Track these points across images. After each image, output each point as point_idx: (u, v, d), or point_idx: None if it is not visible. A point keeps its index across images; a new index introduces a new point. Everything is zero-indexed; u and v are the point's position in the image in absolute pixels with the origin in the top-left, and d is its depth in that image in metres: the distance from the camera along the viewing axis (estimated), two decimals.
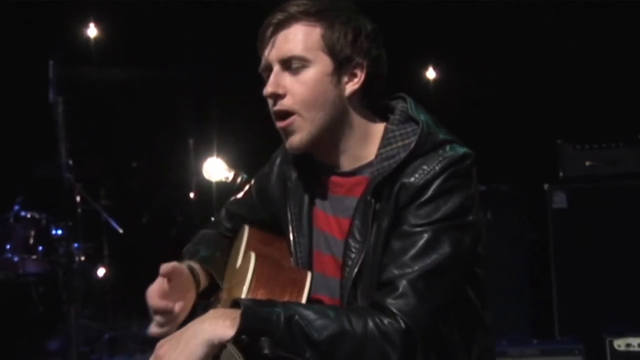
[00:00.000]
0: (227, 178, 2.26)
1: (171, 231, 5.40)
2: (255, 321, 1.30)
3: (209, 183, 4.30)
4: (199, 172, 4.87)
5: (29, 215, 4.61)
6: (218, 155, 2.65)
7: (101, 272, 4.99)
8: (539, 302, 4.12)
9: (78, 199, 4.60)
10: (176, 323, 1.61)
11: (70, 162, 4.24)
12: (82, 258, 4.58)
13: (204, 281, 1.69)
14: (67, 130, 4.10)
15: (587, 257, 3.99)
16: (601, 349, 3.50)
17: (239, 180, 2.23)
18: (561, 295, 4.02)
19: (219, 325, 1.30)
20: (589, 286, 3.97)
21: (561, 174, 4.18)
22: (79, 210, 4.59)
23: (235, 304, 1.35)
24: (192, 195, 4.98)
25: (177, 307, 1.60)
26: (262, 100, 1.59)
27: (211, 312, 1.37)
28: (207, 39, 4.98)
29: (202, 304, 1.72)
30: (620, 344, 3.46)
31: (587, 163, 4.18)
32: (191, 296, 1.65)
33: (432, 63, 5.13)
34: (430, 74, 5.20)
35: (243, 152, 4.04)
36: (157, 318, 1.59)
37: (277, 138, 1.67)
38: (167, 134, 5.16)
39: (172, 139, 5.11)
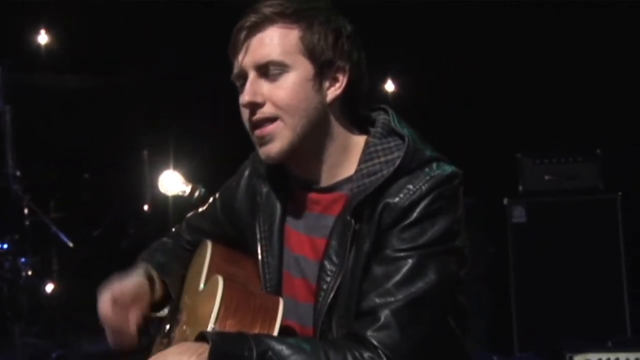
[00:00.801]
0: (184, 192, 2.16)
1: (123, 245, 5.25)
2: (225, 357, 1.20)
3: (165, 196, 4.18)
4: (153, 185, 4.75)
5: None
6: (175, 168, 2.55)
7: (49, 287, 4.80)
8: (498, 317, 4.11)
9: (26, 211, 4.45)
10: (133, 333, 1.58)
11: (18, 172, 4.10)
12: (30, 273, 4.42)
13: (159, 291, 1.61)
14: (15, 139, 3.96)
15: (546, 271, 4.01)
16: None
17: (196, 194, 2.14)
18: (520, 310, 4.02)
19: None
20: (548, 301, 3.99)
21: (520, 188, 4.20)
22: (27, 222, 4.44)
23: (202, 337, 1.24)
24: (146, 208, 4.86)
25: (131, 317, 1.56)
26: (222, 110, 1.49)
27: (175, 347, 1.26)
28: (162, 46, 4.86)
29: (155, 318, 1.63)
30: (580, 359, 3.42)
31: (547, 177, 4.22)
32: (142, 305, 1.59)
33: (391, 76, 5.11)
34: (389, 86, 5.18)
35: (201, 165, 3.94)
36: (110, 332, 1.60)
37: (238, 150, 1.57)
38: (120, 144, 5.02)
39: (126, 149, 4.98)
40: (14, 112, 4.05)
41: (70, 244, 4.69)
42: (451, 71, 4.59)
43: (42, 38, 5.12)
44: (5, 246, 4.47)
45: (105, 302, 1.56)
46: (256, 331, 1.30)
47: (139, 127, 5.02)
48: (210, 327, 1.30)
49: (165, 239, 1.79)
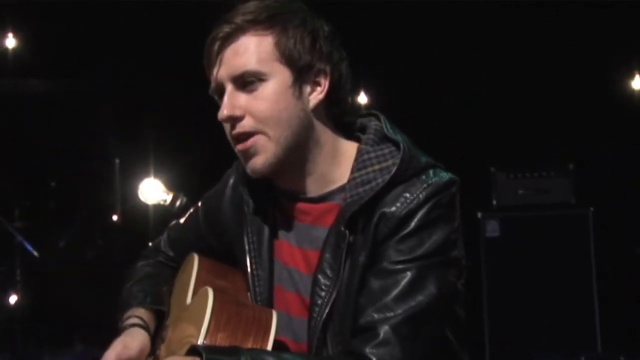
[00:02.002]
0: (165, 201, 2.10)
1: (90, 255, 5.14)
2: None
3: (139, 207, 4.09)
4: (127, 195, 4.67)
5: None
6: (155, 176, 2.48)
7: (13, 299, 4.66)
8: (471, 330, 4.09)
9: None
10: None
11: None
12: None
13: (152, 325, 1.53)
14: None
15: (519, 285, 4.03)
16: None
17: (178, 203, 2.08)
18: (493, 324, 4.05)
19: None
20: (520, 314, 4.01)
21: (494, 202, 4.22)
22: None
23: (193, 351, 1.18)
24: (115, 218, 4.76)
25: None
26: (203, 116, 1.43)
27: None
28: (135, 50, 4.77)
29: None
30: None
31: (520, 191, 4.26)
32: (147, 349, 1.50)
33: (363, 88, 5.10)
34: (362, 99, 5.17)
35: (182, 173, 3.85)
36: None
37: (222, 156, 1.51)
38: (90, 151, 4.91)
39: (96, 157, 4.87)
40: None
41: (36, 254, 4.57)
42: (425, 84, 4.58)
43: (10, 42, 5.00)
44: None
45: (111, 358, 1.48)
46: (249, 345, 1.24)
47: (109, 135, 4.93)
48: (200, 341, 1.24)
49: (140, 264, 1.69)
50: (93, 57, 4.72)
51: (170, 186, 2.13)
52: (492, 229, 4.16)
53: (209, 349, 1.18)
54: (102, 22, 4.68)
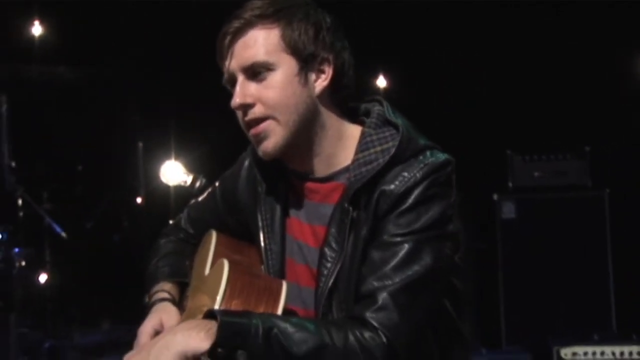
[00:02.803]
0: (186, 182, 2.20)
1: (116, 237, 5.27)
2: (233, 334, 1.24)
3: (161, 189, 4.20)
4: (148, 177, 4.79)
5: None
6: (176, 159, 2.58)
7: (43, 278, 4.81)
8: (487, 311, 4.16)
9: (20, 202, 4.45)
10: None
11: (13, 163, 4.11)
12: (23, 263, 4.42)
13: (177, 298, 1.64)
14: (9, 130, 3.97)
15: (534, 266, 4.07)
16: (548, 358, 3.53)
17: (197, 184, 2.17)
18: (508, 305, 4.09)
19: (193, 337, 1.24)
20: (536, 296, 4.05)
21: (510, 185, 4.25)
22: (21, 213, 4.44)
23: (210, 314, 1.28)
24: (139, 200, 4.88)
25: None
26: (220, 100, 1.53)
27: (184, 324, 1.30)
28: (157, 38, 4.87)
29: None
30: (566, 352, 3.50)
31: (536, 174, 4.27)
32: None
33: (382, 71, 5.14)
34: (381, 82, 5.22)
35: (201, 155, 3.96)
36: None
37: (238, 140, 1.60)
38: (115, 136, 5.03)
39: (121, 141, 4.98)
40: (8, 103, 4.05)
41: (64, 235, 4.70)
42: (443, 68, 4.59)
43: (36, 29, 5.12)
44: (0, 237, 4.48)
45: (148, 330, 1.57)
46: (261, 311, 1.35)
47: (133, 119, 5.03)
48: (216, 306, 1.35)
49: (163, 241, 1.80)
50: (117, 45, 4.83)
51: (191, 168, 2.23)
52: (508, 210, 4.18)
53: (223, 312, 1.29)
54: (126, 10, 4.78)
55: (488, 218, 4.19)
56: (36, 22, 5.10)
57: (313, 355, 1.27)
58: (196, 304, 1.45)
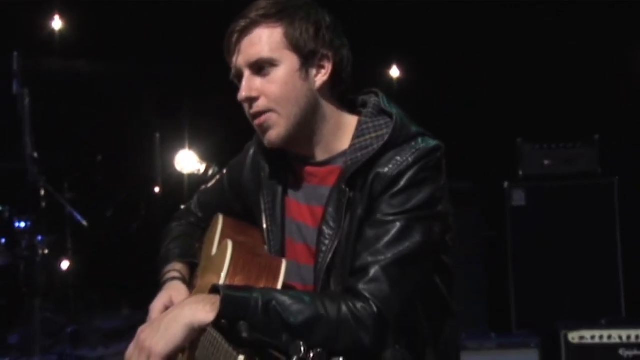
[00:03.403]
0: (199, 170, 2.31)
1: (134, 225, 5.40)
2: (234, 306, 1.34)
3: (176, 177, 4.31)
4: (165, 166, 4.90)
5: None
6: (189, 148, 2.69)
7: (65, 265, 4.95)
8: (497, 297, 4.21)
9: (42, 191, 4.57)
10: None
11: (36, 154, 4.22)
12: (46, 251, 4.55)
13: (187, 278, 1.75)
14: (32, 123, 4.08)
15: (543, 253, 4.10)
16: (556, 342, 3.59)
17: (210, 172, 2.29)
18: (518, 291, 4.12)
19: (199, 310, 1.35)
20: (544, 282, 4.08)
21: (520, 172, 4.27)
22: (43, 203, 4.56)
23: (214, 289, 1.39)
24: (157, 189, 4.99)
25: None
26: (232, 92, 1.64)
27: (191, 298, 1.41)
28: (173, 31, 4.96)
29: None
30: (574, 337, 3.56)
31: (546, 162, 4.27)
32: None
33: (396, 62, 5.20)
34: (394, 72, 5.28)
35: (214, 145, 4.07)
36: None
37: (247, 130, 1.71)
38: (133, 127, 5.15)
39: (138, 132, 5.10)
40: (31, 96, 4.16)
41: (85, 223, 4.83)
42: (455, 58, 4.64)
43: (56, 24, 5.23)
44: (23, 225, 4.61)
45: (158, 307, 1.68)
46: (262, 286, 1.46)
47: (151, 111, 5.14)
48: (221, 282, 1.46)
49: (174, 225, 1.92)
50: (134, 40, 4.93)
51: (204, 157, 2.34)
52: (518, 198, 4.19)
53: (226, 287, 1.40)
54: (140, 4, 4.87)
55: (498, 205, 4.21)
56: (56, 17, 5.22)
57: (309, 325, 1.36)
58: (205, 282, 1.56)
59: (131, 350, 1.39)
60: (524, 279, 4.12)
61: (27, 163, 4.20)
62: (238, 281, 1.45)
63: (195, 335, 1.35)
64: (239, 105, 1.63)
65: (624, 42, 4.43)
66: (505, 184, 4.22)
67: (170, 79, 5.05)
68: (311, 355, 1.04)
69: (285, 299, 1.38)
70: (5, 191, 4.63)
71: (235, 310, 1.34)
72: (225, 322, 1.31)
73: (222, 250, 1.54)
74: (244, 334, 1.21)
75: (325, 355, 1.05)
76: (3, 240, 4.53)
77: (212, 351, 1.25)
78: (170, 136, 4.78)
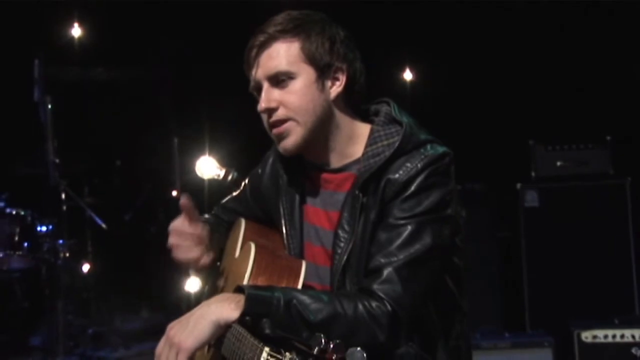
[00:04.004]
0: (219, 175, 2.37)
1: (153, 228, 5.48)
2: (258, 304, 1.42)
3: (194, 181, 4.38)
4: (184, 171, 4.98)
5: (14, 212, 4.65)
6: (209, 154, 2.76)
7: (85, 267, 5.05)
8: (511, 297, 4.24)
9: (63, 196, 4.66)
10: (206, 256, 1.78)
11: (57, 160, 4.32)
12: (67, 254, 4.64)
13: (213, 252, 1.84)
14: (54, 128, 4.17)
15: (557, 253, 4.13)
16: (569, 341, 3.63)
17: (229, 177, 2.35)
18: (532, 291, 4.15)
19: (225, 307, 1.43)
20: (558, 282, 4.11)
21: (533, 174, 4.31)
22: (64, 207, 4.65)
23: (239, 289, 1.47)
24: (174, 194, 5.05)
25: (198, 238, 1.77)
26: (250, 100, 1.72)
27: (217, 297, 1.50)
28: (192, 38, 5.03)
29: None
30: (587, 336, 3.60)
31: (558, 163, 4.30)
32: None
33: (409, 65, 5.24)
34: (407, 75, 5.32)
35: (233, 150, 4.16)
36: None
37: (264, 137, 1.79)
38: (151, 133, 5.23)
39: (157, 138, 5.18)
40: (53, 102, 4.25)
41: (105, 227, 4.92)
42: (468, 61, 4.67)
43: (76, 31, 5.32)
44: (45, 229, 4.70)
45: (181, 219, 1.79)
46: (283, 286, 1.54)
47: (169, 117, 5.22)
48: (245, 282, 1.55)
49: (206, 216, 2.04)
50: (153, 45, 5.00)
51: (223, 162, 2.41)
52: (531, 199, 4.22)
53: (250, 286, 1.48)
54: (158, 7, 4.94)
55: (512, 206, 4.24)
56: (75, 25, 5.31)
57: (327, 322, 1.44)
58: (229, 283, 1.65)
59: (161, 345, 1.46)
60: (538, 278, 4.15)
61: (49, 168, 4.30)
62: (261, 281, 1.53)
63: (221, 332, 1.43)
64: (256, 113, 1.72)
65: (635, 43, 4.44)
66: (519, 185, 4.25)
67: (188, 84, 5.12)
68: (331, 346, 1.11)
69: (305, 298, 1.46)
70: (27, 196, 4.72)
71: (258, 308, 1.42)
72: (249, 320, 1.39)
73: (245, 252, 1.62)
74: (267, 331, 1.29)
75: (344, 346, 1.11)
76: (25, 244, 4.61)
77: (238, 345, 1.33)
78: (189, 141, 4.86)
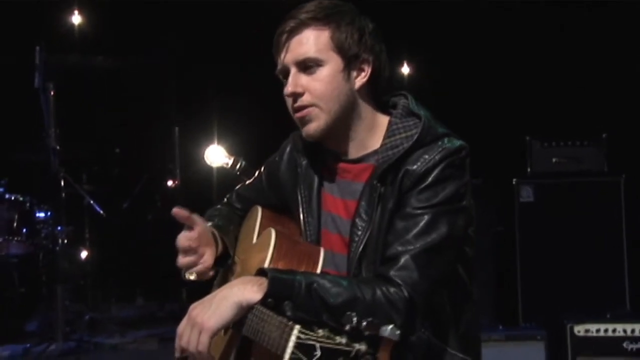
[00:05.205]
0: (227, 164, 2.41)
1: (150, 217, 5.50)
2: (281, 287, 1.46)
3: (195, 170, 4.41)
4: (186, 159, 5.01)
5: (13, 198, 4.66)
6: (218, 143, 2.79)
7: (84, 254, 5.07)
8: (505, 290, 4.29)
9: (62, 183, 4.67)
10: (204, 265, 1.80)
11: (58, 147, 4.32)
12: (65, 241, 4.65)
13: (220, 247, 1.86)
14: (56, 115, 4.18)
15: (551, 248, 4.18)
16: (562, 334, 3.66)
17: (238, 166, 2.38)
18: (525, 284, 4.20)
19: (247, 289, 1.47)
20: (551, 276, 4.16)
21: (529, 169, 4.35)
22: (63, 194, 4.66)
23: (261, 272, 1.51)
24: (170, 183, 5.06)
25: (202, 250, 1.80)
26: (258, 92, 1.74)
27: (239, 279, 1.53)
28: (191, 27, 5.04)
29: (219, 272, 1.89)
30: (579, 329, 3.63)
31: (554, 159, 4.33)
32: (213, 250, 1.83)
33: (407, 59, 5.27)
34: (405, 69, 5.36)
35: (242, 140, 4.17)
36: (181, 255, 1.79)
37: (271, 126, 1.82)
38: (151, 121, 5.24)
39: (157, 126, 5.19)
40: (55, 89, 4.25)
41: (103, 214, 4.93)
42: (465, 56, 4.72)
43: (76, 19, 5.32)
44: (43, 215, 4.72)
45: (185, 234, 1.79)
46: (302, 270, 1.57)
47: (171, 106, 5.23)
48: (265, 266, 1.58)
49: (219, 206, 2.06)
50: (155, 34, 5.00)
51: (231, 151, 2.44)
52: (527, 194, 4.26)
53: (273, 269, 1.52)
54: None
55: (507, 201, 4.28)
56: (75, 12, 5.30)
57: (346, 306, 1.48)
58: (248, 267, 1.68)
59: (183, 325, 1.49)
60: (532, 273, 4.20)
61: (49, 155, 4.30)
62: (281, 265, 1.57)
63: (243, 313, 1.46)
64: (265, 104, 1.74)
65: (632, 42, 4.48)
66: (514, 181, 4.29)
67: (190, 74, 5.12)
68: (364, 323, 1.12)
69: (325, 282, 1.50)
70: (26, 182, 4.72)
71: (281, 290, 1.46)
72: (271, 301, 1.42)
73: (265, 238, 1.66)
74: (288, 313, 1.31)
75: (377, 323, 1.13)
76: (24, 230, 4.63)
77: (263, 325, 1.36)
78: (191, 130, 4.87)
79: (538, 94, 4.65)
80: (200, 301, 1.51)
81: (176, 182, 5.30)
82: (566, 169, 4.32)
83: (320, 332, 1.12)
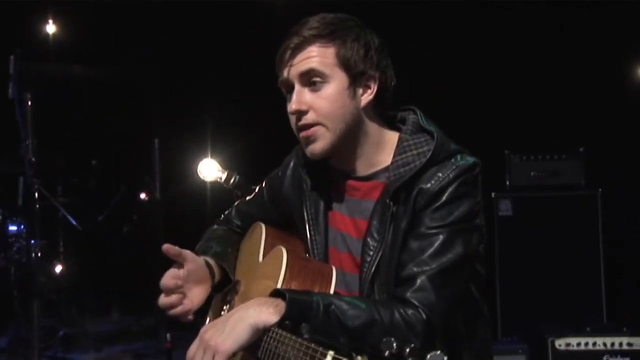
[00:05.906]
0: (221, 178, 2.38)
1: (125, 230, 5.41)
2: (298, 309, 1.43)
3: (175, 183, 4.33)
4: (169, 173, 4.93)
5: None
6: (211, 157, 2.74)
7: (58, 268, 4.96)
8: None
9: (36, 195, 4.55)
10: (189, 305, 1.73)
11: (33, 158, 4.22)
12: (39, 254, 4.53)
13: (218, 275, 1.81)
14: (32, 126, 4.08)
15: (529, 261, 4.20)
16: (543, 348, 3.68)
17: (232, 180, 2.35)
18: (504, 298, 4.21)
19: (263, 311, 1.43)
20: (531, 289, 4.18)
21: (507, 183, 4.38)
22: (37, 206, 4.55)
23: (277, 293, 1.47)
24: (143, 196, 4.97)
25: (188, 288, 1.73)
26: (252, 106, 1.71)
27: (254, 300, 1.49)
28: (175, 36, 4.98)
29: (216, 295, 1.84)
30: (560, 343, 3.65)
31: (532, 173, 4.37)
32: (206, 287, 1.77)
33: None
34: None
35: (236, 154, 4.12)
36: (164, 294, 1.72)
37: (265, 141, 1.78)
38: (130, 133, 5.16)
39: (136, 138, 5.11)
40: (31, 100, 4.16)
41: (80, 228, 4.82)
42: (444, 70, 4.70)
43: (50, 28, 5.23)
44: (15, 228, 4.60)
45: (167, 273, 1.73)
46: (316, 291, 1.54)
47: (151, 117, 5.16)
48: (279, 286, 1.54)
49: (215, 227, 2.01)
50: (132, 43, 4.93)
51: (225, 165, 2.40)
52: (505, 208, 4.28)
53: (290, 290, 1.48)
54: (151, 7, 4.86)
55: (486, 215, 4.28)
56: (50, 21, 5.21)
57: (364, 328, 1.45)
58: (256, 287, 1.63)
59: (194, 349, 1.45)
60: (511, 286, 4.21)
61: (25, 167, 4.20)
62: (294, 285, 1.53)
63: (259, 335, 1.43)
64: (259, 117, 1.70)
65: (610, 56, 4.53)
66: (493, 194, 4.31)
67: (180, 89, 5.06)
68: (407, 350, 1.09)
69: (343, 304, 1.47)
70: None
71: (299, 312, 1.42)
72: (288, 324, 1.38)
73: (275, 257, 1.62)
74: (306, 335, 1.28)
75: (420, 350, 1.09)
76: None
77: (282, 348, 1.32)
78: (192, 145, 4.76)
79: (516, 108, 4.67)
80: (212, 323, 1.47)
81: (150, 195, 5.23)
82: (544, 182, 4.35)
83: (359, 358, 1.07)
